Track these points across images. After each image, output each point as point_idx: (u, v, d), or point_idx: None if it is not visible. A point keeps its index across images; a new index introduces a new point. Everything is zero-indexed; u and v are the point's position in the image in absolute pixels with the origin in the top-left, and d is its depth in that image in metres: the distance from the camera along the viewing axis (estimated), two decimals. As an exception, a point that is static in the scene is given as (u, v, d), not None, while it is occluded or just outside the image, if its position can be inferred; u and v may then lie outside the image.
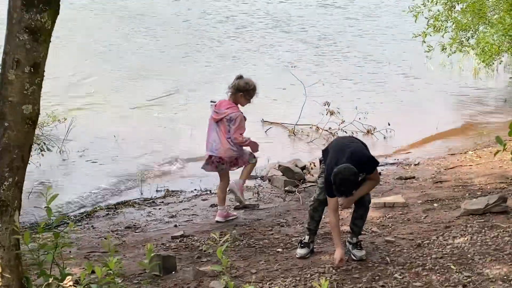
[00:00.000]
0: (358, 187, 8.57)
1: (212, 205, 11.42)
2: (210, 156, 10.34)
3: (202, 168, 10.77)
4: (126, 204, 11.88)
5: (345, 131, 14.68)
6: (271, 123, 15.84)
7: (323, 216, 9.08)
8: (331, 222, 8.73)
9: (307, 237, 9.04)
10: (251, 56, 22.87)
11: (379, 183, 9.06)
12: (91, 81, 19.48)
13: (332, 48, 23.21)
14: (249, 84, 10.25)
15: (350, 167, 8.23)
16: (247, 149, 10.50)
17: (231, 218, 10.51)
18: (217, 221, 10.40)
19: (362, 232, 9.04)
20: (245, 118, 10.15)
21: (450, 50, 18.16)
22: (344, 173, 8.22)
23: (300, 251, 8.94)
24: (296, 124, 15.67)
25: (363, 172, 8.49)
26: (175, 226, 10.59)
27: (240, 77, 10.28)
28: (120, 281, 6.48)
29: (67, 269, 6.11)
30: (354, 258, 8.68)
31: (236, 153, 10.28)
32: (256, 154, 10.67)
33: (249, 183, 12.34)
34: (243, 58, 22.44)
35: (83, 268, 6.09)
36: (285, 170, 12.73)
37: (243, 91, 10.14)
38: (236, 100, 10.22)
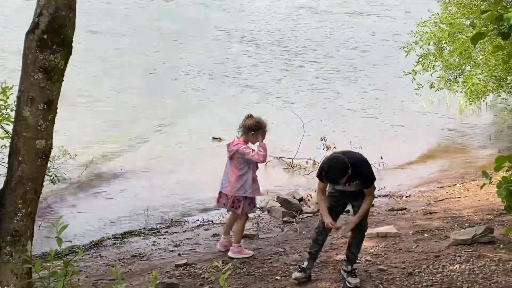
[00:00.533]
0: (354, 198, 8.81)
1: (214, 235, 11.42)
2: (220, 192, 10.25)
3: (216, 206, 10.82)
4: (132, 233, 11.88)
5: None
6: (270, 156, 15.86)
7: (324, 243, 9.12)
8: (318, 199, 9.02)
9: (305, 263, 8.98)
10: (252, 92, 22.94)
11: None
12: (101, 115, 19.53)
13: (327, 85, 23.25)
14: (260, 123, 10.13)
15: (342, 158, 8.41)
16: (248, 187, 10.04)
17: (243, 256, 10.10)
18: (229, 257, 10.04)
19: (356, 261, 9.01)
20: (247, 151, 10.03)
21: (438, 87, 18.30)
22: (334, 161, 8.46)
23: (296, 274, 8.90)
24: (294, 158, 15.71)
25: (358, 179, 8.55)
26: (179, 254, 10.58)
27: (250, 117, 10.18)
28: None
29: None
30: (348, 285, 8.63)
31: (240, 194, 10.03)
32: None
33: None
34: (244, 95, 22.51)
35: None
36: (283, 201, 12.74)
37: (254, 130, 10.07)
38: (247, 139, 10.07)
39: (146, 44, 29.51)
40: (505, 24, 5.72)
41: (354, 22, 37.44)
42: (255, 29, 32.75)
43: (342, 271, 8.93)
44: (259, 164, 10.22)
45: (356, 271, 8.87)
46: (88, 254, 10.80)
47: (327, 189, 8.90)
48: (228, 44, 30.08)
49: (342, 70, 25.64)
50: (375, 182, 8.83)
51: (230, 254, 10.12)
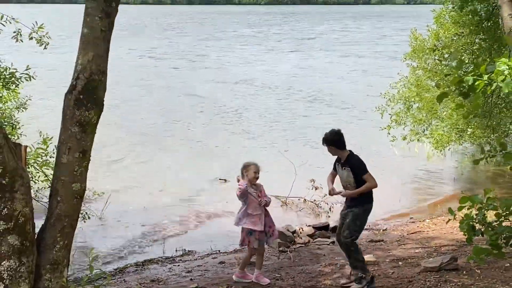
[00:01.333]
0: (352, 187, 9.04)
1: (221, 262, 11.39)
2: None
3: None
4: (151, 261, 11.88)
5: (326, 203, 14.71)
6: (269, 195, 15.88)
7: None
8: (328, 178, 9.45)
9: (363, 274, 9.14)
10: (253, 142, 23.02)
11: (376, 187, 9.07)
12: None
13: (314, 135, 23.32)
14: (243, 166, 9.98)
15: (336, 131, 9.11)
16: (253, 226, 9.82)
17: (245, 280, 9.94)
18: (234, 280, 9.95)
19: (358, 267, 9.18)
20: (246, 191, 9.93)
21: (410, 139, 18.50)
22: (330, 131, 9.12)
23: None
24: (288, 197, 15.72)
25: (349, 166, 8.95)
26: (191, 279, 10.53)
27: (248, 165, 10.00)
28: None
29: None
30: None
31: (236, 224, 9.97)
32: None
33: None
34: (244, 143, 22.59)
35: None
36: (279, 234, 12.71)
37: (242, 172, 9.95)
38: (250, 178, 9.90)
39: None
40: (465, 85, 5.77)
41: (339, 82, 37.80)
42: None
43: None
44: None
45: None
46: (114, 279, 10.79)
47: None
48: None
49: (332, 123, 25.81)
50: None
51: (233, 277, 10.03)
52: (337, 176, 9.27)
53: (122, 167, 19.49)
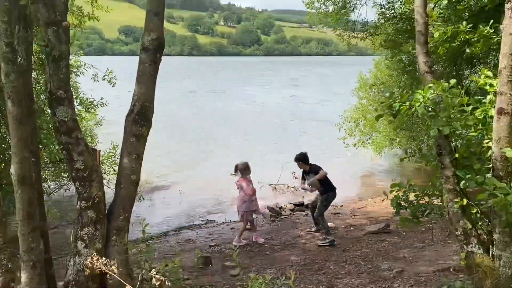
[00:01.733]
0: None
1: (232, 228, 11.44)
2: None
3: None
4: (185, 228, 11.90)
5: (302, 189, 14.74)
6: (262, 183, 15.85)
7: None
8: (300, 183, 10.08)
9: (330, 237, 9.43)
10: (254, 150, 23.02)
11: (326, 174, 9.56)
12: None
13: (290, 140, 23.35)
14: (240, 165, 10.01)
15: (303, 152, 9.79)
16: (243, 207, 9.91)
17: (241, 244, 9.80)
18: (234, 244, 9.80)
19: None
20: (245, 183, 9.92)
21: (358, 146, 18.61)
22: (300, 153, 9.79)
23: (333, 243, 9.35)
24: (276, 184, 15.70)
25: (313, 173, 9.50)
26: (211, 240, 10.53)
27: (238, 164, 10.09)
28: (181, 270, 6.41)
29: (153, 264, 6.06)
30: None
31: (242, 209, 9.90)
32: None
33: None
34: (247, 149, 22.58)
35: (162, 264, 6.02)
36: (270, 209, 12.72)
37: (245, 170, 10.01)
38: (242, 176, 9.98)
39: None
40: (394, 109, 5.76)
41: (315, 107, 37.84)
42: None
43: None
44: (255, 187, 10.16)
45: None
46: (159, 240, 10.79)
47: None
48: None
49: (309, 135, 25.80)
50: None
51: (234, 243, 9.85)
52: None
53: (169, 162, 19.44)
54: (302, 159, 9.64)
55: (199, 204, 14.05)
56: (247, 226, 10.03)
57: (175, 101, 41.21)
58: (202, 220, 12.44)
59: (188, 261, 8.37)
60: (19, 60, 5.34)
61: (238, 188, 9.96)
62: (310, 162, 9.73)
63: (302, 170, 9.84)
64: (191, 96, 47.36)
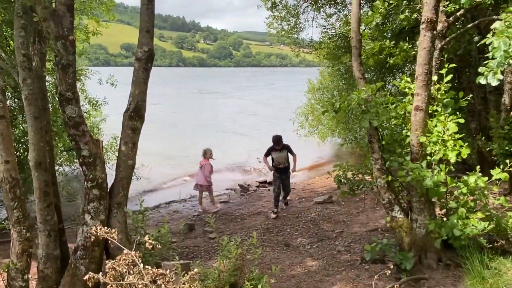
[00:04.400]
0: (284, 172, 9.02)
1: (210, 201, 11.18)
2: (196, 184, 10.04)
3: (194, 189, 10.34)
4: (173, 202, 11.69)
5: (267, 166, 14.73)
6: (234, 165, 15.72)
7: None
8: (265, 160, 9.17)
9: (275, 209, 9.10)
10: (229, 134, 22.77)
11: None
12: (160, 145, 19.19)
13: (262, 133, 23.22)
14: (206, 150, 9.92)
15: (279, 135, 9.01)
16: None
17: (215, 210, 9.81)
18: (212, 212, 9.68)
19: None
20: (211, 166, 9.81)
21: (307, 136, 18.55)
22: (278, 135, 9.02)
23: (272, 215, 8.98)
24: (246, 166, 15.59)
25: (286, 149, 8.98)
26: (194, 211, 10.37)
27: (205, 149, 9.97)
28: (170, 235, 6.24)
29: (147, 231, 5.89)
30: (283, 208, 9.20)
31: (207, 184, 9.87)
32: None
33: (223, 191, 12.24)
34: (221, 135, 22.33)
35: (154, 230, 5.85)
36: (240, 186, 12.62)
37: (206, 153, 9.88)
38: (205, 158, 9.85)
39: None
40: (336, 107, 5.71)
41: (277, 107, 37.68)
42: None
43: (281, 203, 9.39)
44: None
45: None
46: (153, 211, 10.56)
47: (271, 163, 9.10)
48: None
49: (274, 125, 25.66)
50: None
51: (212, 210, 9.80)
52: (269, 157, 9.17)
53: (162, 147, 18.94)
54: (280, 138, 9.06)
55: (185, 183, 13.77)
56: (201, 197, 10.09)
57: (177, 100, 40.61)
58: (186, 195, 12.22)
59: (176, 228, 8.21)
60: (34, 67, 5.09)
61: (201, 167, 9.85)
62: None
63: (269, 147, 9.18)
64: (184, 96, 46.65)
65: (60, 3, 4.52)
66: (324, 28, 14.40)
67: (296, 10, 14.43)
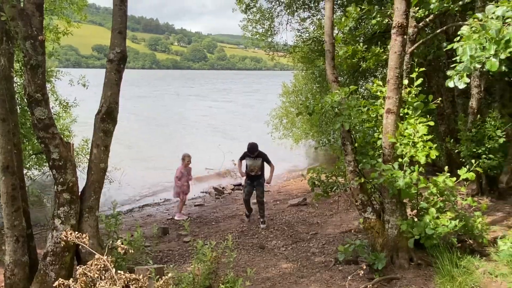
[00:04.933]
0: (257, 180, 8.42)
1: (184, 205, 11.09)
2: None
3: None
4: (147, 205, 11.47)
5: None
6: (208, 169, 15.61)
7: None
8: (239, 165, 8.71)
9: (248, 213, 8.90)
10: (200, 140, 22.62)
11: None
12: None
13: (235, 136, 23.19)
14: (185, 156, 9.50)
15: (255, 143, 8.52)
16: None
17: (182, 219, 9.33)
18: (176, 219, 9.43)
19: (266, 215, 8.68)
20: (180, 171, 9.34)
21: (282, 138, 18.61)
22: (253, 143, 8.52)
23: (246, 219, 8.86)
24: (220, 169, 15.50)
25: (261, 157, 8.42)
26: (168, 214, 10.24)
27: (184, 154, 9.57)
28: (144, 239, 6.16)
29: (120, 235, 5.79)
30: (262, 226, 8.34)
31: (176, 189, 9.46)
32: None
33: (198, 195, 12.20)
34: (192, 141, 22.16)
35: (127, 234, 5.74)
36: (215, 189, 12.57)
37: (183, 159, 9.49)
38: (183, 163, 9.45)
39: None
40: (309, 109, 5.76)
41: (251, 108, 37.68)
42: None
43: (258, 220, 8.60)
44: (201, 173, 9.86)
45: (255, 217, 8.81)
46: (126, 215, 10.37)
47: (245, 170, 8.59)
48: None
49: (249, 129, 25.61)
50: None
51: (176, 217, 9.43)
52: (244, 163, 8.70)
53: (136, 150, 18.63)
54: (256, 146, 8.58)
55: (158, 187, 13.57)
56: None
57: (149, 102, 40.10)
58: (160, 199, 12.05)
59: (149, 232, 8.09)
60: (1, 67, 4.93)
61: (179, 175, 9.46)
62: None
63: (244, 152, 8.70)
64: (156, 98, 46.11)
65: (28, 2, 4.40)
66: (298, 32, 14.54)
67: (271, 14, 14.51)
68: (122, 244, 3.72)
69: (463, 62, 3.72)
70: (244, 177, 8.72)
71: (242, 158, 8.72)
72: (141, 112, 33.04)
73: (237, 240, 7.61)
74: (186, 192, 9.57)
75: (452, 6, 6.17)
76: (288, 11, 14.28)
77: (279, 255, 6.73)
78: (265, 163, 8.59)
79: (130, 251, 3.47)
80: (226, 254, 4.83)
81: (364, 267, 5.24)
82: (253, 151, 8.43)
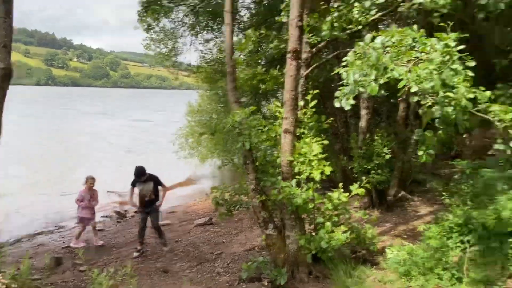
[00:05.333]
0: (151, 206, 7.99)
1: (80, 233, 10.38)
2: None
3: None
4: (38, 234, 10.51)
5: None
6: (109, 191, 14.79)
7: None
8: (130, 198, 8.11)
9: (139, 247, 8.09)
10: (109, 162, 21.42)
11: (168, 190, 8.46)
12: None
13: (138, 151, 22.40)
14: (88, 178, 8.90)
15: (142, 166, 8.04)
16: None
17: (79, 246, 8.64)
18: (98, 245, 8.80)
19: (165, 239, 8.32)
20: (82, 197, 8.75)
21: (187, 157, 18.32)
22: (140, 166, 8.06)
23: (136, 254, 7.95)
24: (123, 191, 14.81)
25: (152, 180, 7.99)
26: (63, 242, 9.49)
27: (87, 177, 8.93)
28: (33, 271, 5.63)
29: (4, 268, 5.20)
30: (165, 249, 8.05)
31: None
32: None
33: (98, 219, 11.41)
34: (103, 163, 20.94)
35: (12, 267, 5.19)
36: (117, 212, 12.02)
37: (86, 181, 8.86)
38: (87, 185, 8.83)
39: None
40: (213, 129, 5.80)
41: (160, 128, 36.73)
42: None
43: (161, 244, 8.21)
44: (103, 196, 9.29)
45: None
46: (13, 246, 9.39)
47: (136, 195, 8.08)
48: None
49: (153, 149, 24.85)
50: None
51: (71, 244, 8.82)
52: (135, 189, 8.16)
53: (25, 173, 16.95)
54: (143, 170, 8.16)
55: (50, 213, 12.44)
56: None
57: (39, 121, 36.99)
58: (54, 226, 11.13)
59: (41, 263, 7.41)
60: None
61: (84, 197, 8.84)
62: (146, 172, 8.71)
63: (133, 180, 8.17)
64: (46, 117, 42.79)
65: None
66: (201, 53, 14.66)
67: (174, 34, 14.46)
68: (3, 279, 3.36)
69: (348, 85, 4.04)
70: (137, 205, 8.18)
71: (133, 184, 8.14)
72: (29, 133, 30.48)
73: (140, 265, 7.30)
74: (89, 217, 8.87)
75: (341, 34, 6.69)
76: (192, 32, 14.36)
77: (184, 277, 6.58)
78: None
79: (11, 286, 3.14)
80: (126, 281, 4.61)
81: (266, 283, 5.33)
82: (140, 175, 7.96)
